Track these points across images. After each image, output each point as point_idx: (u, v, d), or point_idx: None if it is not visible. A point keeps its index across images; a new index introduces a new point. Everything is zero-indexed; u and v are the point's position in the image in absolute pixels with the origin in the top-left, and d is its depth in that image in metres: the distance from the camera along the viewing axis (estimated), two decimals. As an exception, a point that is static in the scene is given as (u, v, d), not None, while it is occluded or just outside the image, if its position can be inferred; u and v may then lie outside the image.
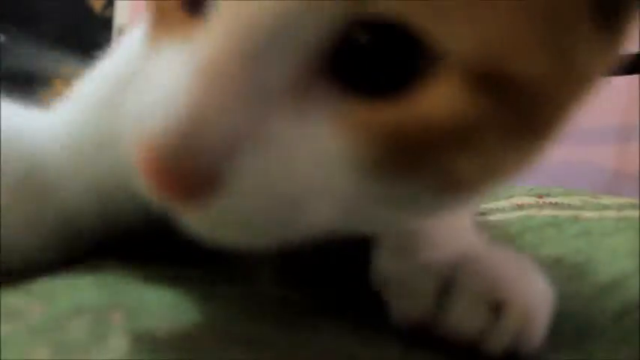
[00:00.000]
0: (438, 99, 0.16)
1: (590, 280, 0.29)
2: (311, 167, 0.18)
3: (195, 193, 0.17)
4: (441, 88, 0.16)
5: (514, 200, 0.53)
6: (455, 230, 0.28)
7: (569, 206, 0.49)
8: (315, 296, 0.29)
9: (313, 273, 0.31)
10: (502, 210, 0.50)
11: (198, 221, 0.19)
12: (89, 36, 1.51)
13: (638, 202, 0.48)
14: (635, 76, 1.00)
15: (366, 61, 0.17)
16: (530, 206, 0.50)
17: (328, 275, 0.31)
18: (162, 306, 0.26)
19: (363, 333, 0.24)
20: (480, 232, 0.28)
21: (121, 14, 1.66)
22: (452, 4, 0.15)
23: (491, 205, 0.52)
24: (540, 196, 0.53)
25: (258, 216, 0.18)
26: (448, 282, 0.23)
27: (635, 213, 0.44)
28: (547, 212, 0.47)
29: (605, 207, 0.47)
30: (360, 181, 0.18)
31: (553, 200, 0.51)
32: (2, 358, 0.20)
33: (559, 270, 0.31)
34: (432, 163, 0.18)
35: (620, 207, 0.47)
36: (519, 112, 0.17)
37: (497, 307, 0.22)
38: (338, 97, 0.17)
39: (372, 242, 0.29)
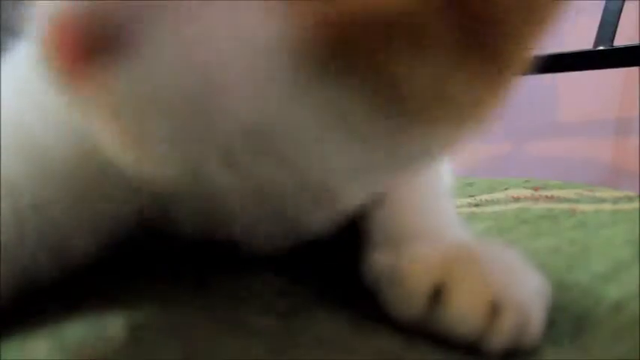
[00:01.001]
0: None
1: (586, 272, 0.29)
2: (234, 47, 0.15)
3: (101, 50, 0.15)
4: None
5: (510, 192, 0.53)
6: (443, 225, 0.28)
7: (565, 199, 0.49)
8: (314, 288, 0.28)
9: (312, 265, 0.31)
10: (497, 202, 0.50)
11: (102, 96, 0.16)
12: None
13: (633, 195, 0.48)
14: (632, 69, 1.00)
15: None
16: (526, 199, 0.50)
17: (328, 268, 0.31)
18: (159, 297, 0.26)
19: (363, 324, 0.24)
20: (474, 223, 0.28)
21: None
22: None
23: (486, 196, 0.52)
24: (536, 189, 0.53)
25: (174, 92, 0.16)
26: (441, 281, 0.23)
27: (630, 205, 0.44)
28: (542, 205, 0.47)
29: (601, 200, 0.47)
30: (292, 75, 0.16)
31: (549, 194, 0.51)
32: (2, 357, 0.20)
33: (555, 262, 0.31)
34: (378, 62, 0.16)
35: (616, 200, 0.47)
36: (472, 21, 0.16)
37: (494, 308, 0.21)
38: None
39: (362, 238, 0.29)
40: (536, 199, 0.49)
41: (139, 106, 0.16)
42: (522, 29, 0.18)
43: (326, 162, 0.20)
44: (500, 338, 0.21)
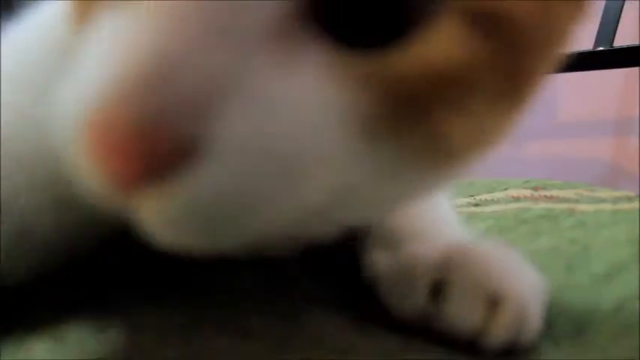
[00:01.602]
0: (440, 44, 0.15)
1: (586, 271, 0.29)
2: (305, 127, 0.15)
3: (166, 165, 0.13)
4: (442, 32, 0.15)
5: (509, 192, 0.53)
6: (442, 224, 0.28)
7: (565, 199, 0.49)
8: (314, 288, 0.28)
9: (311, 265, 0.31)
10: (497, 202, 0.50)
11: (168, 209, 0.14)
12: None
13: (633, 195, 0.48)
14: (632, 69, 1.00)
15: (359, 9, 0.14)
16: (526, 199, 0.50)
17: (326, 266, 0.31)
18: (158, 297, 0.26)
19: (361, 323, 0.24)
20: (473, 223, 0.28)
21: None
22: None
23: (486, 196, 0.52)
24: (536, 189, 0.53)
25: (248, 189, 0.14)
26: (441, 278, 0.23)
27: (630, 205, 0.44)
28: (542, 205, 0.47)
29: (601, 200, 0.47)
30: (358, 143, 0.15)
31: (548, 194, 0.51)
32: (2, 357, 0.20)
33: (555, 262, 0.31)
34: (431, 120, 0.16)
35: (616, 200, 0.47)
36: (513, 57, 0.16)
37: (493, 303, 0.22)
38: (331, 49, 0.15)
39: (361, 237, 0.29)
40: (536, 199, 0.49)
41: (213, 208, 0.14)
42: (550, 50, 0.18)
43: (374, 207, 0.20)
44: (498, 334, 0.21)
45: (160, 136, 0.12)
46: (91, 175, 0.14)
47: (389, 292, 0.25)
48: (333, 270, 0.30)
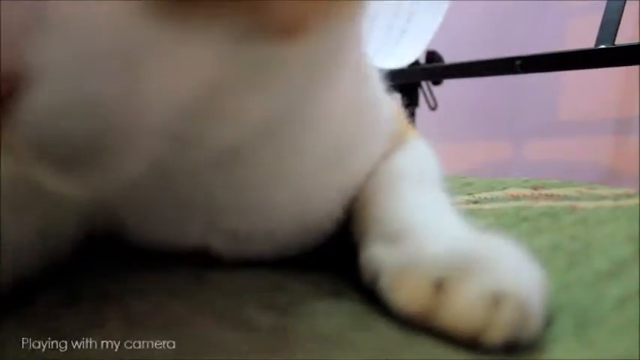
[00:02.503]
0: None
1: (588, 268, 0.29)
2: (107, 31, 0.17)
3: (8, 89, 0.16)
4: None
5: (508, 191, 0.52)
6: (445, 218, 0.28)
7: (565, 197, 0.48)
8: (313, 283, 0.28)
9: (310, 259, 0.30)
10: (496, 200, 0.50)
11: (27, 125, 0.17)
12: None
13: (633, 191, 0.48)
14: (632, 69, 1.00)
15: None
16: (526, 197, 0.50)
17: (327, 261, 0.30)
18: (157, 293, 0.26)
19: (362, 319, 0.24)
20: (473, 220, 0.27)
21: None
22: None
23: (485, 194, 0.52)
24: (536, 188, 0.53)
25: (87, 93, 0.17)
26: (444, 274, 0.23)
27: (630, 202, 0.44)
28: (542, 203, 0.47)
29: (602, 197, 0.47)
30: (158, 26, 0.17)
31: (548, 192, 0.51)
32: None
33: (556, 259, 0.31)
34: None
35: (617, 197, 0.47)
36: None
37: (495, 300, 0.21)
38: None
39: (358, 232, 0.29)
40: (536, 198, 0.49)
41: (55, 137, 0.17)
42: None
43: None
44: (500, 331, 0.21)
45: None
46: None
47: (390, 286, 0.24)
48: (332, 264, 0.30)
